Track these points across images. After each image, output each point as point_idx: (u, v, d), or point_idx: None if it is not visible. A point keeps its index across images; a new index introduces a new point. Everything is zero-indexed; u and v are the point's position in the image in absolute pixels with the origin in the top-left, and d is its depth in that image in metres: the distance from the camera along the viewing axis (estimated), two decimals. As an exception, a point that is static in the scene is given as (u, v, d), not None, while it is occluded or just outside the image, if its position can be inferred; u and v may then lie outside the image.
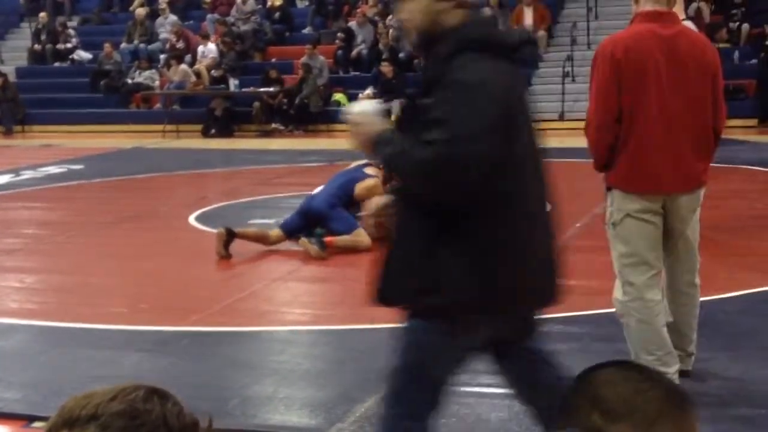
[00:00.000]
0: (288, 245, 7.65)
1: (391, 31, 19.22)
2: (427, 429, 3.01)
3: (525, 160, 2.85)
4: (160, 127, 18.54)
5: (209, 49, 19.88)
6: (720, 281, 6.03)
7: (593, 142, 4.21)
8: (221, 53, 19.83)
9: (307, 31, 20.94)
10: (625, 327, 4.30)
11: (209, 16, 21.41)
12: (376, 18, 19.91)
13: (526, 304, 3.03)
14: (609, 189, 4.28)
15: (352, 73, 19.38)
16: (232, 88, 18.99)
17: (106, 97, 20.10)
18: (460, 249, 2.78)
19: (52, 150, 16.36)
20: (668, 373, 3.91)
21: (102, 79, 20.30)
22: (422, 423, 2.99)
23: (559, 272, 3.11)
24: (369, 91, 18.29)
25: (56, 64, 21.79)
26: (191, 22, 21.97)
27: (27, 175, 13.22)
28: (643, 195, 4.19)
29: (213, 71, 19.34)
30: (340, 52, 19.44)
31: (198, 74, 19.38)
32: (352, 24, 19.91)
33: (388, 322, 5.72)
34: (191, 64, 19.76)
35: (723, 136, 4.36)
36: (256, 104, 18.58)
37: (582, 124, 4.40)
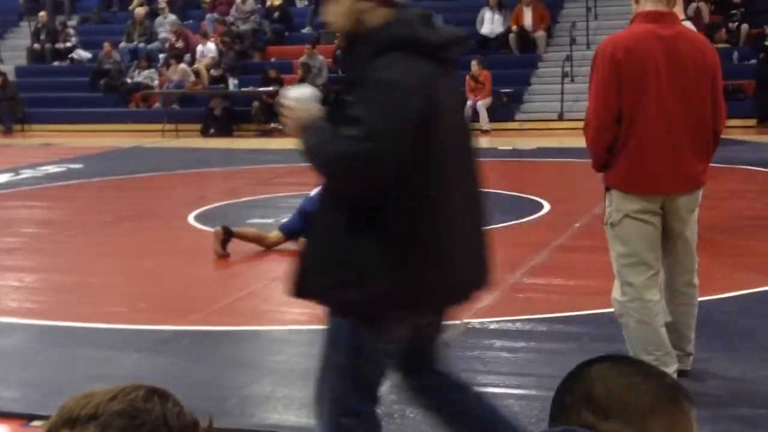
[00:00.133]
0: (287, 244, 7.65)
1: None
2: (370, 423, 3.05)
3: (449, 159, 2.88)
4: (159, 126, 18.55)
5: (208, 49, 19.88)
6: (719, 281, 6.04)
7: (592, 142, 4.22)
8: (220, 53, 19.83)
9: (306, 30, 20.94)
10: (624, 327, 4.30)
11: (208, 15, 21.41)
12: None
13: (450, 301, 3.06)
14: (608, 189, 4.29)
15: (352, 73, 19.37)
16: (231, 87, 18.99)
17: (106, 96, 20.10)
18: (382, 244, 2.81)
19: (52, 149, 16.36)
20: (667, 373, 3.91)
21: (101, 79, 20.30)
22: (363, 419, 3.03)
23: (487, 269, 3.15)
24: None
25: (56, 64, 21.79)
26: (190, 21, 21.97)
27: (26, 174, 13.22)
28: (641, 195, 4.19)
29: (212, 71, 19.34)
30: (339, 51, 19.43)
31: (197, 74, 19.38)
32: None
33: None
34: (190, 64, 19.76)
35: (722, 136, 4.36)
36: (256, 104, 18.58)
37: (581, 124, 4.40)
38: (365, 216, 2.82)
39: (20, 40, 22.92)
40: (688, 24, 5.71)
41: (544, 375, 4.52)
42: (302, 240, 8.04)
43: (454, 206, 2.93)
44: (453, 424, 3.25)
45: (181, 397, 1.35)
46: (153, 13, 21.84)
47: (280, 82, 18.64)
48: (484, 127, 17.17)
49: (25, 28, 23.15)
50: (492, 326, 5.46)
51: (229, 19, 21.01)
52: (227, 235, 7.47)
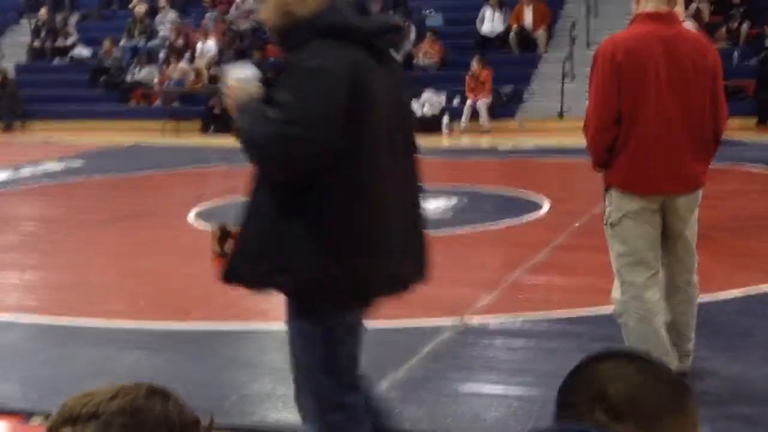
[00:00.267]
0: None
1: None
2: (358, 414, 3.05)
3: (383, 149, 2.89)
4: (159, 124, 18.54)
5: (208, 47, 19.88)
6: (719, 281, 6.04)
7: (592, 142, 4.22)
8: (220, 51, 19.82)
9: (306, 28, 20.92)
10: (623, 326, 4.30)
11: (209, 13, 21.40)
12: (376, 16, 19.90)
13: (382, 291, 3.05)
14: (607, 189, 4.29)
15: (352, 71, 19.37)
16: (231, 85, 18.96)
17: (106, 93, 20.11)
18: (312, 231, 2.84)
19: (52, 146, 16.36)
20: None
21: (101, 76, 20.31)
22: (350, 412, 3.03)
23: (423, 263, 3.12)
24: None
25: (56, 61, 21.79)
26: (191, 19, 21.96)
27: (26, 171, 13.22)
28: (641, 195, 4.19)
29: (212, 69, 19.34)
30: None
31: (197, 72, 19.37)
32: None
33: (384, 320, 5.74)
34: (191, 62, 19.76)
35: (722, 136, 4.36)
36: (256, 102, 18.57)
37: (581, 124, 4.40)
38: (296, 202, 2.86)
39: (20, 38, 22.91)
40: (689, 24, 5.71)
41: (544, 374, 4.52)
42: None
43: (388, 196, 2.93)
44: None
45: (182, 394, 1.36)
46: (153, 11, 21.84)
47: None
48: (484, 126, 17.18)
49: (26, 26, 23.15)
50: (491, 325, 5.47)
51: (230, 17, 21.00)
52: (224, 233, 7.47)
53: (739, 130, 14.45)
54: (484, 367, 4.82)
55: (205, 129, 18.31)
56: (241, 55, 20.17)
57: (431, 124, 17.35)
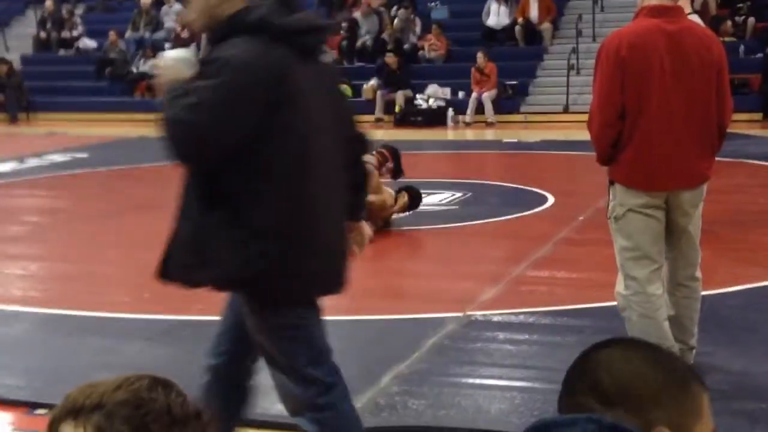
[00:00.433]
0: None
1: (396, 21, 19.21)
2: (342, 393, 3.13)
3: (309, 146, 2.93)
4: (164, 116, 18.51)
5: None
6: (722, 275, 6.04)
7: (596, 137, 4.21)
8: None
9: (312, 21, 20.91)
10: (626, 320, 4.30)
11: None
12: (381, 9, 19.89)
13: (305, 288, 3.06)
14: (612, 183, 4.28)
15: (357, 64, 19.38)
16: (236, 77, 18.97)
17: (111, 85, 20.12)
18: (233, 226, 2.89)
19: (57, 138, 16.37)
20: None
21: (107, 68, 20.31)
22: (335, 392, 3.09)
23: (344, 263, 3.16)
24: (373, 81, 18.29)
25: (61, 52, 21.80)
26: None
27: (31, 163, 13.24)
28: (645, 190, 4.19)
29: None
30: (344, 42, 19.43)
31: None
32: (357, 15, 19.88)
33: (387, 313, 5.75)
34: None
35: (727, 130, 4.35)
36: (261, 94, 18.57)
37: (586, 117, 4.40)
38: (220, 198, 2.91)
39: (26, 29, 22.93)
40: (695, 17, 5.70)
41: (547, 368, 4.53)
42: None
43: (317, 195, 2.97)
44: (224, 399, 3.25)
45: (185, 386, 1.36)
46: (159, 3, 21.83)
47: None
48: (489, 120, 17.17)
49: (31, 17, 23.16)
50: (495, 318, 5.47)
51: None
52: None
53: (744, 124, 14.43)
54: (487, 361, 4.83)
55: (210, 121, 18.30)
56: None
57: (436, 117, 17.35)
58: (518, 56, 18.58)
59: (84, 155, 13.86)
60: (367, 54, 19.27)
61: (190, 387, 1.35)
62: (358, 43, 19.42)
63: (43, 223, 9.10)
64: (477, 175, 11.38)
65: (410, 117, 17.47)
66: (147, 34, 21.12)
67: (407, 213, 8.30)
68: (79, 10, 22.96)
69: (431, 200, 9.24)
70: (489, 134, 16.57)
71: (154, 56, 20.19)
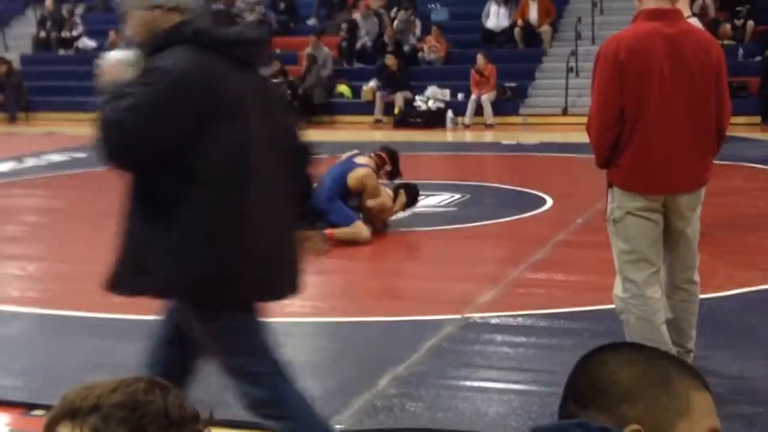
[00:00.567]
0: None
1: (396, 23, 19.22)
2: (281, 382, 3.19)
3: (246, 156, 2.98)
4: (163, 116, 18.52)
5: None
6: (720, 279, 6.04)
7: (595, 141, 4.21)
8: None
9: (311, 22, 20.93)
10: (624, 323, 4.31)
11: (214, 6, 21.39)
12: (381, 10, 19.90)
13: (242, 294, 3.11)
14: (610, 186, 4.29)
15: (357, 65, 19.38)
16: (235, 78, 18.96)
17: (110, 85, 20.09)
18: (169, 235, 2.94)
19: (56, 137, 16.36)
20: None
21: (106, 68, 20.29)
22: (277, 384, 3.17)
23: (295, 272, 3.22)
24: (373, 83, 18.29)
25: (61, 52, 21.79)
26: (196, 11, 21.93)
27: (30, 162, 13.23)
28: (644, 193, 4.19)
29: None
30: (344, 43, 19.43)
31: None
32: (356, 16, 19.89)
33: (386, 315, 5.75)
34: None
35: (726, 133, 4.36)
36: (260, 95, 18.57)
37: (585, 120, 4.40)
38: (156, 206, 2.97)
39: (26, 28, 22.92)
40: (694, 20, 5.70)
41: (545, 370, 4.53)
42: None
43: (250, 202, 3.01)
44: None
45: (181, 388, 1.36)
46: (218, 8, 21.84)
47: (285, 74, 18.65)
48: (488, 122, 17.17)
49: (31, 17, 23.15)
50: (493, 321, 5.47)
51: (235, 10, 20.98)
52: None
53: (743, 127, 14.44)
54: (485, 363, 4.83)
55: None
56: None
57: (435, 119, 17.35)
58: (517, 58, 18.59)
59: (83, 155, 13.83)
60: (367, 55, 19.28)
61: (188, 388, 1.35)
62: (358, 45, 19.42)
63: (41, 223, 9.09)
64: (476, 177, 11.38)
65: (409, 118, 17.48)
66: (146, 35, 21.11)
67: (406, 212, 8.30)
68: (79, 10, 22.94)
69: (430, 202, 9.24)
70: (488, 136, 16.57)
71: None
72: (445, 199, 9.58)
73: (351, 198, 7.82)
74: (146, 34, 3.06)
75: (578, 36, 17.93)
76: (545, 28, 18.72)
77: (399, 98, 17.70)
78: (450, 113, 17.37)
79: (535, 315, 5.55)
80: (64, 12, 22.16)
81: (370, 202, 7.88)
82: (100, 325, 5.63)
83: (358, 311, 5.85)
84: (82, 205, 10.04)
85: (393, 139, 14.66)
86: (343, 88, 18.83)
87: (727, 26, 17.30)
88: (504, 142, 15.12)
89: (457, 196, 9.75)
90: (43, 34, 22.01)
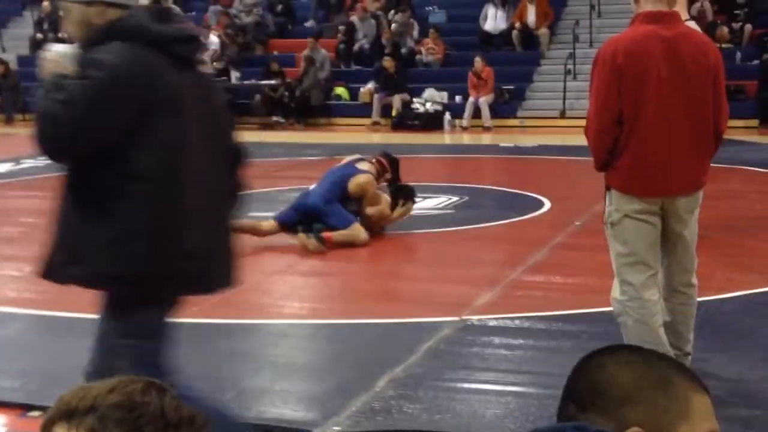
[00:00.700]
0: (286, 240, 7.66)
1: (393, 25, 19.22)
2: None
3: (181, 150, 3.01)
4: (160, 118, 18.51)
5: (211, 41, 19.87)
6: (718, 282, 6.04)
7: (593, 144, 4.21)
8: (223, 45, 19.82)
9: (309, 24, 20.94)
10: (622, 326, 4.30)
11: (212, 7, 21.39)
12: (379, 12, 19.91)
13: (175, 289, 3.14)
14: (608, 188, 4.28)
15: (354, 67, 19.39)
16: (233, 80, 18.99)
17: (108, 87, 20.08)
18: (101, 225, 2.98)
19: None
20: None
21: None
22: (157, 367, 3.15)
23: (230, 266, 3.25)
24: (370, 85, 18.30)
25: (58, 53, 21.75)
26: (193, 13, 21.95)
27: (27, 163, 13.21)
28: (642, 196, 4.19)
29: (215, 63, 19.33)
30: (342, 45, 19.44)
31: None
32: (354, 18, 19.90)
33: (383, 316, 5.75)
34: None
35: (724, 136, 4.36)
36: (257, 97, 18.58)
37: (583, 122, 4.39)
38: (90, 197, 3.02)
39: (23, 30, 22.91)
40: (692, 24, 5.70)
41: (542, 373, 4.52)
42: (300, 235, 8.06)
43: (184, 198, 3.04)
44: None
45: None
46: (156, 4, 21.80)
47: (283, 76, 18.65)
48: (486, 124, 17.18)
49: (28, 18, 23.15)
50: (491, 323, 5.47)
51: (233, 11, 20.99)
52: None
53: (741, 130, 14.46)
54: (482, 365, 4.82)
55: (206, 123, 18.30)
56: (244, 49, 20.18)
57: (433, 121, 17.36)
58: (515, 61, 18.60)
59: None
60: (365, 57, 19.29)
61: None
62: (356, 47, 19.43)
63: (38, 224, 9.05)
64: (474, 180, 11.38)
65: (407, 121, 17.49)
66: (144, 36, 21.09)
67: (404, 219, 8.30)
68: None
69: (428, 204, 9.23)
70: (486, 138, 16.58)
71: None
72: (443, 202, 9.58)
73: (350, 202, 7.81)
74: (85, 30, 3.07)
75: (576, 39, 17.95)
76: (543, 31, 18.74)
77: (397, 100, 17.71)
78: (448, 116, 17.38)
79: (532, 317, 5.54)
80: (61, 13, 22.13)
81: (370, 210, 7.88)
82: (97, 327, 5.61)
83: (356, 313, 5.85)
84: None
85: (390, 142, 14.67)
86: (340, 91, 18.84)
87: (725, 29, 17.32)
88: (502, 144, 15.13)
89: (455, 198, 9.75)
90: (40, 35, 21.99)
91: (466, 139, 16.83)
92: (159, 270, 3.03)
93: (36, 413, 4.19)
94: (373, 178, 7.91)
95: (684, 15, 5.50)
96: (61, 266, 3.08)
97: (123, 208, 2.97)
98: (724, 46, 16.07)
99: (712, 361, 4.69)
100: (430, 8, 20.61)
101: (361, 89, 18.40)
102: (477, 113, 17.28)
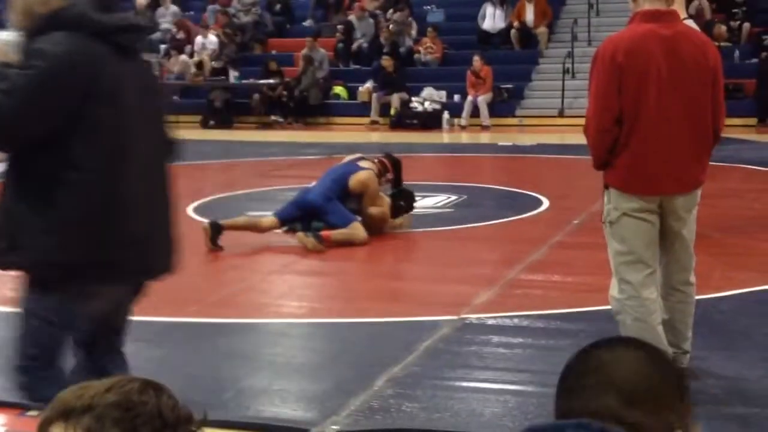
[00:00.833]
0: (285, 239, 7.66)
1: (392, 24, 19.22)
2: (42, 383, 3.27)
3: (119, 139, 3.06)
4: (159, 117, 18.50)
5: (209, 41, 19.86)
6: (716, 280, 6.04)
7: (593, 143, 4.21)
8: (221, 44, 19.81)
9: (307, 23, 20.93)
10: (620, 324, 4.30)
11: (210, 7, 21.38)
12: (377, 12, 19.90)
13: (114, 276, 3.18)
14: (607, 187, 4.28)
15: (353, 67, 19.38)
16: (232, 79, 18.98)
17: (106, 86, 20.06)
18: (41, 212, 3.02)
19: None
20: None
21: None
22: (34, 378, 3.29)
23: (170, 252, 3.31)
24: (369, 84, 18.30)
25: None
26: (192, 12, 21.94)
27: None
28: (641, 194, 4.19)
29: (213, 62, 19.33)
30: (340, 45, 19.43)
31: (199, 65, 19.36)
32: (352, 17, 19.90)
33: (382, 315, 5.75)
34: (191, 55, 19.75)
35: (722, 135, 4.36)
36: (256, 96, 18.58)
37: (581, 121, 4.39)
38: (30, 185, 3.05)
39: (21, 29, 22.88)
40: (690, 22, 5.70)
41: (541, 371, 4.52)
42: (299, 234, 8.04)
43: (124, 186, 3.08)
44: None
45: (177, 388, 1.36)
46: (154, 4, 21.82)
47: (281, 75, 18.65)
48: (485, 123, 17.17)
49: None
50: (489, 322, 5.47)
51: (231, 10, 20.98)
52: (215, 230, 7.47)
53: (739, 129, 14.46)
54: (481, 364, 4.83)
55: (204, 123, 18.30)
56: (242, 49, 20.17)
57: (432, 120, 17.36)
58: (514, 60, 18.60)
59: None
60: (363, 57, 19.28)
61: (183, 389, 1.35)
62: (354, 46, 19.43)
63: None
64: (472, 179, 11.38)
65: (406, 120, 17.48)
66: (142, 36, 21.07)
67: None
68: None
69: (426, 203, 9.23)
70: (484, 137, 16.58)
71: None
72: (442, 201, 9.58)
73: (350, 200, 7.81)
74: (28, 19, 3.09)
75: (574, 37, 17.94)
76: (541, 30, 18.73)
77: (395, 99, 17.70)
78: (446, 115, 17.38)
79: (531, 316, 5.54)
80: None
81: (374, 210, 7.87)
82: (96, 327, 5.61)
83: (355, 312, 5.85)
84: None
85: (389, 141, 14.67)
86: (339, 90, 18.83)
87: (723, 28, 17.32)
88: (500, 143, 15.13)
89: (454, 197, 9.75)
90: None
91: (465, 138, 16.83)
92: (97, 257, 3.07)
93: (34, 412, 4.19)
94: (374, 174, 7.91)
95: (682, 13, 5.50)
96: (2, 253, 3.13)
97: (62, 197, 3.01)
98: (722, 44, 16.07)
99: (710, 359, 4.69)
100: (429, 7, 20.60)
101: (360, 88, 18.39)
102: (475, 112, 17.28)
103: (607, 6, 18.63)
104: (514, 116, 17.57)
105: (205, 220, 7.76)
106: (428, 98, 17.71)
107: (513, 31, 18.72)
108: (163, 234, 3.28)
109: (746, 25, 17.68)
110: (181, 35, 20.49)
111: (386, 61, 17.94)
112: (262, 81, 18.61)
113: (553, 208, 9.08)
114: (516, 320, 5.48)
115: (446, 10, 20.46)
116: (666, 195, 4.19)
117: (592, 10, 18.66)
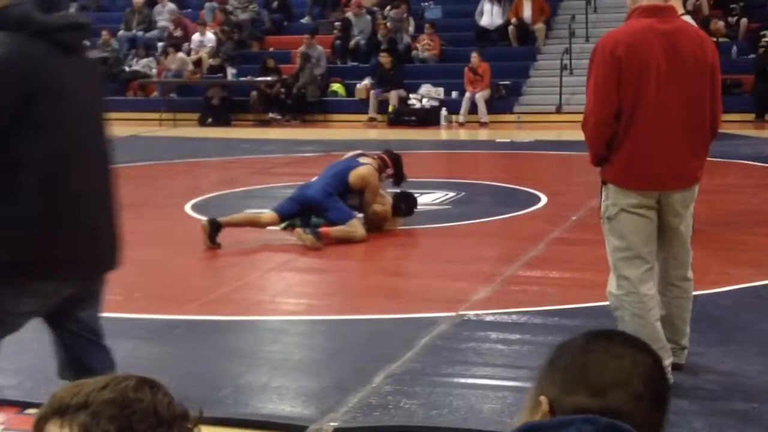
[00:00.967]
0: (283, 236, 7.66)
1: (389, 21, 19.21)
2: None
3: (64, 137, 3.08)
4: (157, 115, 18.52)
5: (207, 38, 19.85)
6: (714, 275, 6.05)
7: (591, 138, 4.21)
8: (219, 42, 19.79)
9: (305, 20, 20.91)
10: (618, 320, 4.30)
11: (207, 4, 21.36)
12: (374, 8, 19.89)
13: (64, 274, 3.20)
14: (604, 183, 4.28)
15: (350, 64, 19.37)
16: (229, 77, 18.96)
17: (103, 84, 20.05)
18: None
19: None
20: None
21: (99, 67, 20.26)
22: None
23: (115, 248, 3.42)
24: (366, 81, 18.29)
25: (53, 51, 21.72)
26: (189, 10, 21.92)
27: None
28: (638, 190, 4.19)
29: (211, 60, 19.31)
30: (338, 42, 19.42)
31: (197, 62, 19.34)
32: (350, 14, 19.88)
33: (380, 312, 5.75)
34: (189, 53, 19.73)
35: (720, 130, 4.36)
36: (254, 93, 18.56)
37: (579, 117, 4.39)
38: None
39: (18, 28, 22.85)
40: (688, 18, 5.70)
41: (539, 367, 4.52)
42: (297, 230, 8.02)
43: (70, 185, 3.11)
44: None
45: (175, 385, 1.36)
46: (152, 2, 21.80)
47: (279, 72, 18.63)
48: (483, 120, 17.17)
49: None
50: (487, 318, 5.47)
51: (228, 8, 20.96)
52: (213, 227, 7.47)
53: (737, 124, 14.46)
54: (479, 360, 4.83)
55: (202, 121, 18.29)
56: (240, 46, 20.16)
57: (429, 117, 17.35)
58: (511, 56, 18.59)
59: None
60: (361, 54, 19.27)
61: (181, 386, 1.35)
62: (351, 43, 19.41)
63: None
64: (470, 175, 11.38)
65: (403, 117, 17.47)
66: (140, 33, 21.07)
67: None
68: (72, 9, 22.88)
69: (424, 200, 9.23)
70: (482, 134, 16.57)
71: (147, 56, 20.19)
72: (440, 197, 9.58)
73: (351, 196, 7.81)
74: None
75: (572, 34, 17.94)
76: (539, 26, 18.73)
77: (393, 96, 17.69)
78: (444, 111, 17.38)
79: (529, 312, 5.54)
80: None
81: (377, 207, 7.87)
82: (94, 324, 5.60)
83: (353, 309, 5.85)
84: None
85: (387, 138, 14.67)
86: (336, 87, 18.82)
87: (721, 24, 17.32)
88: (498, 140, 15.13)
89: (452, 194, 9.75)
90: None
91: (463, 134, 16.83)
92: (46, 255, 3.09)
93: (33, 410, 4.19)
94: (374, 169, 7.91)
95: (680, 9, 5.50)
96: None
97: (9, 196, 3.03)
98: (719, 40, 16.07)
99: (708, 354, 4.69)
100: (426, 4, 20.59)
101: (358, 85, 18.38)
102: (473, 109, 17.27)
103: (604, 2, 18.62)
104: (511, 113, 17.57)
105: (204, 218, 7.77)
106: (426, 95, 17.70)
107: (511, 28, 18.71)
108: (109, 229, 3.36)
109: (744, 21, 17.68)
110: (178, 32, 20.47)
111: (384, 58, 17.93)
112: (259, 78, 18.59)
113: (551, 204, 9.08)
114: (514, 316, 5.48)
115: (444, 6, 20.45)
116: (664, 190, 4.19)
117: (589, 6, 18.66)
